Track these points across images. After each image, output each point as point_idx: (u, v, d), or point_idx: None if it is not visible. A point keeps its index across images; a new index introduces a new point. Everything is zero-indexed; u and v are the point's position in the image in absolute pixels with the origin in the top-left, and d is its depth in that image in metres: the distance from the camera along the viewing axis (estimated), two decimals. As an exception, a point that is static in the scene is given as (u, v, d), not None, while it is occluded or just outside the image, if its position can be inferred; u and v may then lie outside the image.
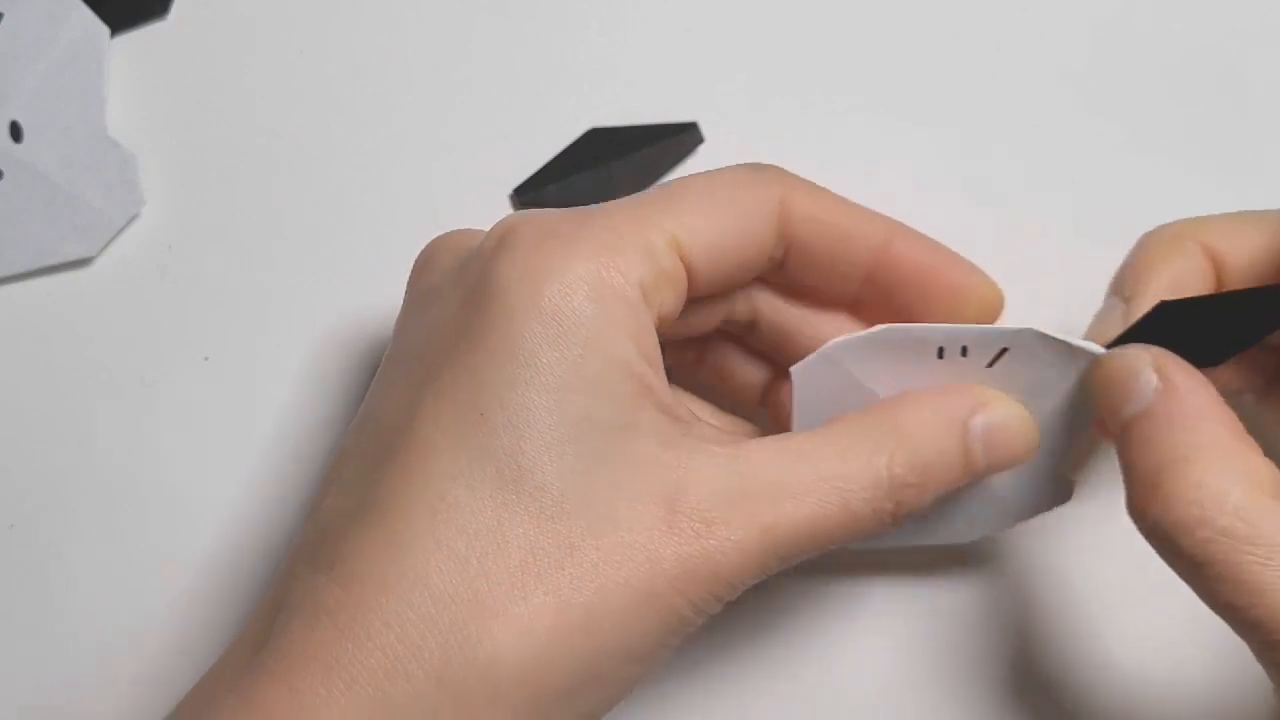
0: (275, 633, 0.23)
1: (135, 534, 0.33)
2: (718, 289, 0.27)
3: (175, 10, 0.35)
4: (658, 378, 0.25)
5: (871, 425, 0.26)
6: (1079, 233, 0.33)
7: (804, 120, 0.34)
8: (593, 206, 0.26)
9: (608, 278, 0.24)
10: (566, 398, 0.24)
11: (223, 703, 0.23)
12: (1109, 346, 0.27)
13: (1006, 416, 0.27)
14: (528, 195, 0.34)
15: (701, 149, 0.34)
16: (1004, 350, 0.27)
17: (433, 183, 0.34)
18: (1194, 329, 0.26)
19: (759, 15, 0.35)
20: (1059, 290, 0.31)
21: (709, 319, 0.29)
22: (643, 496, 0.24)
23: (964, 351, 0.27)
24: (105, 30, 0.34)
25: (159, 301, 0.34)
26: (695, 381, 0.31)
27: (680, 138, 0.34)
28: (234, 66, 0.35)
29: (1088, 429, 0.29)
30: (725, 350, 0.31)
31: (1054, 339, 0.27)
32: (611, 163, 0.34)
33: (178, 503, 0.33)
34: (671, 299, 0.26)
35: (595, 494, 0.24)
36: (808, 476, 0.25)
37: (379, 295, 0.33)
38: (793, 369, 0.28)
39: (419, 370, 0.25)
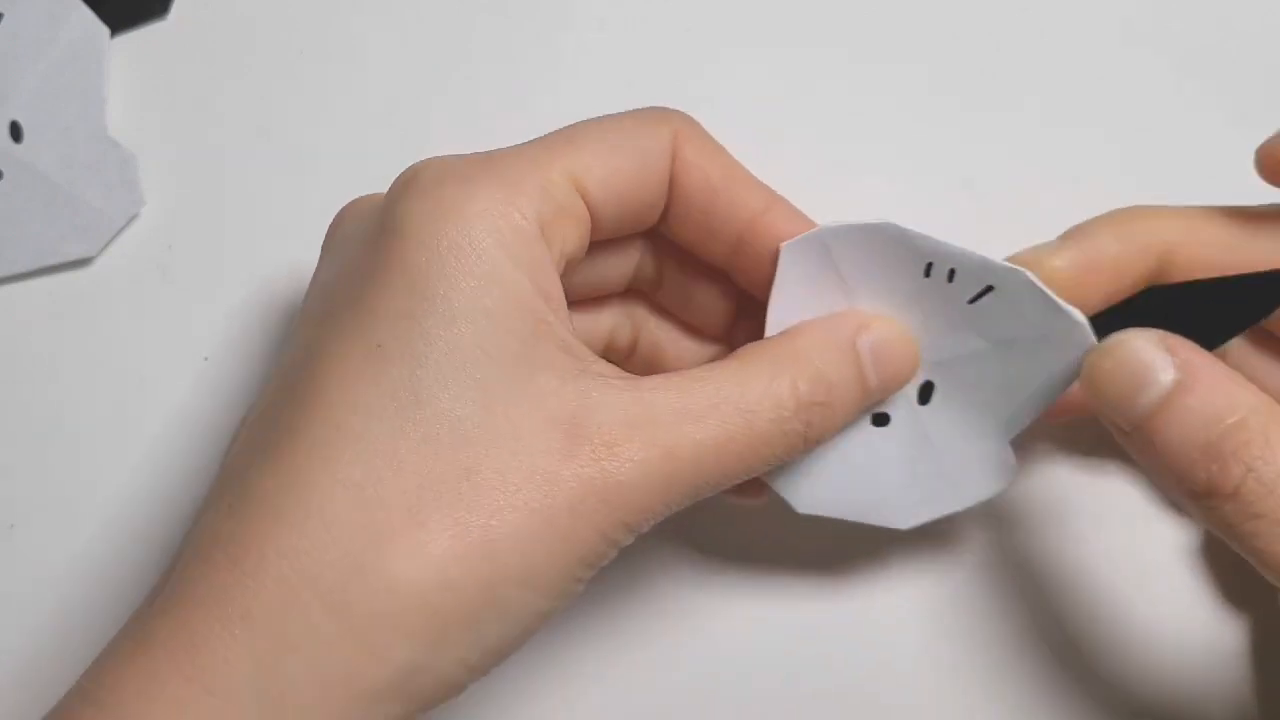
0: (171, 574, 0.23)
1: (135, 534, 0.33)
2: (623, 229, 0.28)
3: (175, 10, 0.35)
4: (557, 315, 0.25)
5: (769, 350, 0.26)
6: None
7: (805, 119, 0.34)
8: (497, 150, 0.26)
9: (505, 213, 0.24)
10: (462, 328, 0.24)
11: (119, 648, 0.23)
12: (1091, 319, 0.27)
13: (889, 334, 0.28)
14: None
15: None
16: (989, 289, 0.27)
17: (433, 183, 0.34)
18: (1181, 315, 0.26)
19: (759, 14, 0.35)
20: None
21: (619, 268, 0.29)
22: (542, 422, 0.24)
23: (950, 276, 0.27)
24: (105, 30, 0.34)
25: (159, 301, 0.34)
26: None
27: None
28: (234, 66, 0.35)
29: (1047, 402, 0.28)
30: (655, 332, 0.31)
31: (1042, 290, 0.27)
32: None
33: (178, 503, 0.33)
34: (574, 236, 0.26)
35: (493, 420, 0.23)
36: (709, 400, 0.25)
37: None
38: (782, 245, 0.28)
39: (321, 312, 0.25)
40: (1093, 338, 0.27)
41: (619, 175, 0.27)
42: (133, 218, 0.34)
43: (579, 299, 0.29)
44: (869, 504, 0.30)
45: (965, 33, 0.35)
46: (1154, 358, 0.24)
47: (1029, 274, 0.27)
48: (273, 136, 0.35)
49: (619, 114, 0.27)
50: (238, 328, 0.34)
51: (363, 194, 0.28)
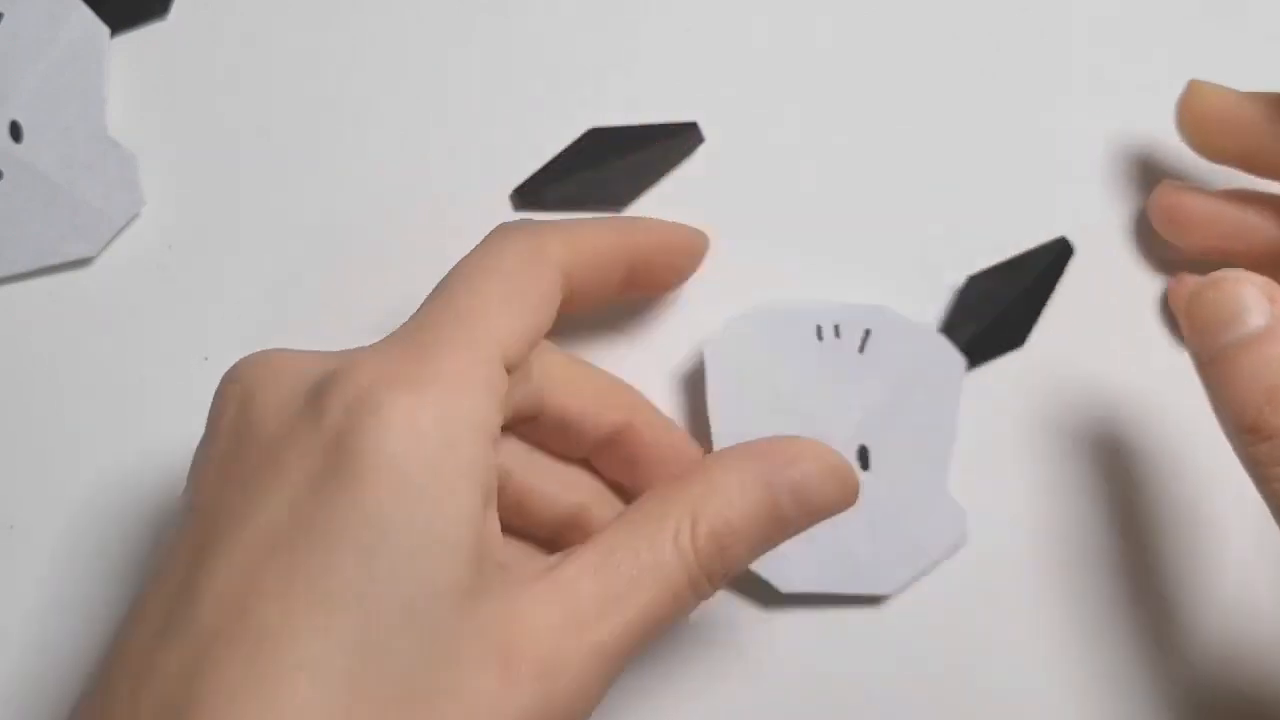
0: None
1: (135, 533, 0.33)
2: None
3: (175, 10, 0.35)
4: (493, 520, 0.24)
5: (669, 499, 0.25)
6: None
7: (804, 119, 0.34)
8: (419, 329, 0.25)
9: (457, 426, 0.23)
10: (417, 564, 0.22)
11: None
12: (941, 329, 0.31)
13: (812, 471, 0.26)
14: (528, 195, 0.34)
15: (701, 149, 0.34)
16: (868, 333, 0.31)
17: (433, 183, 0.34)
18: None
19: (759, 14, 0.35)
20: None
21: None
22: (482, 661, 0.23)
23: (836, 332, 0.31)
24: (105, 30, 0.34)
25: (159, 301, 0.34)
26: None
27: (680, 137, 0.34)
28: (234, 66, 0.35)
29: (953, 425, 0.31)
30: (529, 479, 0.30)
31: (906, 319, 0.31)
32: (611, 162, 0.34)
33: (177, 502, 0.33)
34: (504, 418, 0.25)
35: (439, 670, 0.22)
36: (627, 575, 0.24)
37: (379, 293, 0.33)
38: (704, 348, 0.31)
39: (258, 538, 0.23)
40: (957, 353, 0.31)
41: (531, 333, 0.26)
42: (133, 218, 0.34)
43: None
44: (848, 575, 0.31)
45: (966, 32, 0.35)
46: (1254, 301, 0.26)
47: (890, 308, 0.31)
48: (273, 136, 0.35)
49: (501, 264, 0.26)
50: (238, 328, 0.34)
51: (291, 322, 0.28)
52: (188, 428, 0.33)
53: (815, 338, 0.31)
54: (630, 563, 0.24)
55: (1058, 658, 0.31)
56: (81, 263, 0.34)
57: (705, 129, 0.34)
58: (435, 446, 0.23)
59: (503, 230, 0.28)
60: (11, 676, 0.32)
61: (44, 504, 0.33)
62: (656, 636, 0.25)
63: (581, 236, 0.28)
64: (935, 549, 0.31)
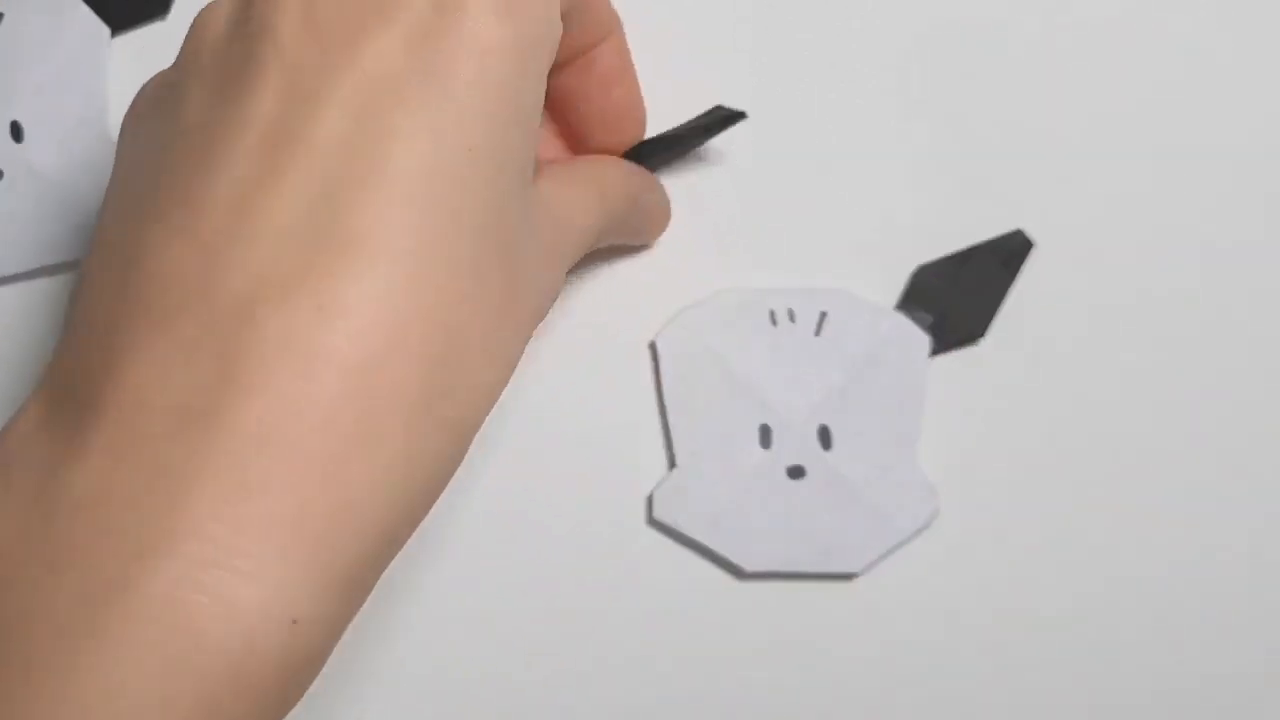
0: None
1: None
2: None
3: (176, 10, 0.35)
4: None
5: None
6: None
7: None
8: None
9: (535, 48, 0.24)
10: (498, 136, 0.23)
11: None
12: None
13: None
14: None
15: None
16: (824, 316, 0.31)
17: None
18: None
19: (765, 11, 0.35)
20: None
21: None
22: (535, 239, 0.25)
23: (791, 316, 0.32)
24: (106, 30, 0.34)
25: (159, 302, 0.34)
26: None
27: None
28: (234, 67, 0.35)
29: (919, 402, 0.31)
30: None
31: (862, 300, 0.32)
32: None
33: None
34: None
35: (515, 233, 0.24)
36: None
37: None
38: (655, 339, 0.32)
39: (369, 80, 0.23)
40: (919, 330, 0.32)
41: None
42: (133, 218, 0.34)
43: None
44: (814, 554, 0.31)
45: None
46: None
47: (848, 290, 0.32)
48: (273, 137, 0.35)
49: None
50: (238, 328, 0.34)
51: None
52: (188, 428, 0.33)
53: (769, 322, 0.32)
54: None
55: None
56: (81, 263, 0.34)
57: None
58: (517, 53, 0.23)
59: None
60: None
61: (44, 504, 0.33)
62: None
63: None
64: (905, 526, 0.31)
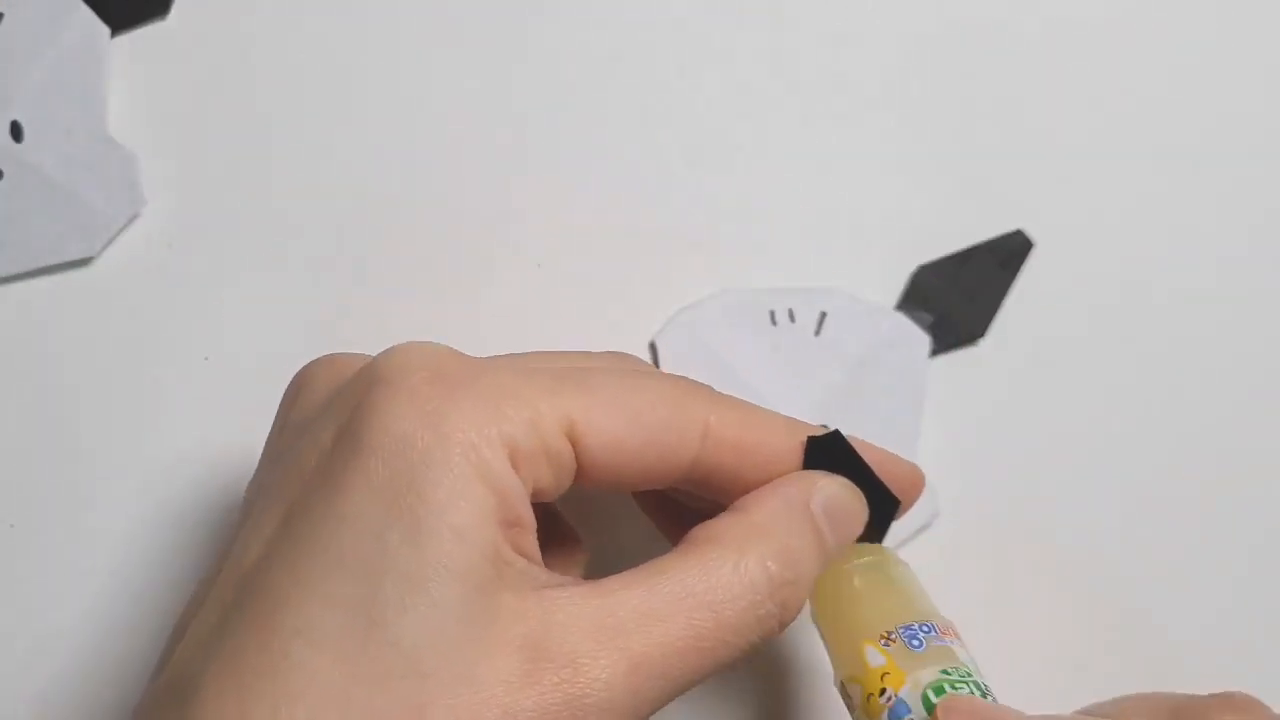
0: None
1: (134, 533, 0.33)
2: (623, 488, 0.26)
3: (175, 10, 0.35)
4: (522, 536, 0.24)
5: (727, 532, 0.25)
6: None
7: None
8: (501, 357, 0.25)
9: (482, 436, 0.23)
10: (426, 543, 0.22)
11: None
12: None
13: (836, 490, 0.26)
14: (528, 197, 0.34)
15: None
16: (824, 316, 0.32)
17: (433, 185, 0.34)
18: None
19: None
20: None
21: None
22: (502, 648, 0.22)
23: (791, 317, 0.32)
24: (105, 30, 0.34)
25: (159, 301, 0.34)
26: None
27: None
28: (235, 66, 0.35)
29: (919, 405, 0.32)
30: None
31: (862, 301, 0.32)
32: None
33: (177, 502, 0.33)
34: (549, 479, 0.24)
35: (449, 649, 0.22)
36: (675, 595, 0.23)
37: (379, 291, 0.33)
38: (655, 338, 0.32)
39: (278, 511, 0.24)
40: (919, 330, 0.32)
41: (627, 447, 0.25)
42: (133, 218, 0.34)
43: None
44: None
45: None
46: None
47: (846, 289, 0.32)
48: (273, 136, 0.35)
49: (646, 374, 0.26)
50: (238, 328, 0.34)
51: (333, 351, 0.27)
52: (188, 427, 0.33)
53: (769, 322, 0.32)
54: (678, 586, 0.23)
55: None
56: (81, 263, 0.34)
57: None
58: (456, 447, 0.23)
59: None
60: (12, 674, 0.32)
61: (44, 504, 0.33)
62: (696, 678, 0.23)
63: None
64: (904, 526, 0.31)
